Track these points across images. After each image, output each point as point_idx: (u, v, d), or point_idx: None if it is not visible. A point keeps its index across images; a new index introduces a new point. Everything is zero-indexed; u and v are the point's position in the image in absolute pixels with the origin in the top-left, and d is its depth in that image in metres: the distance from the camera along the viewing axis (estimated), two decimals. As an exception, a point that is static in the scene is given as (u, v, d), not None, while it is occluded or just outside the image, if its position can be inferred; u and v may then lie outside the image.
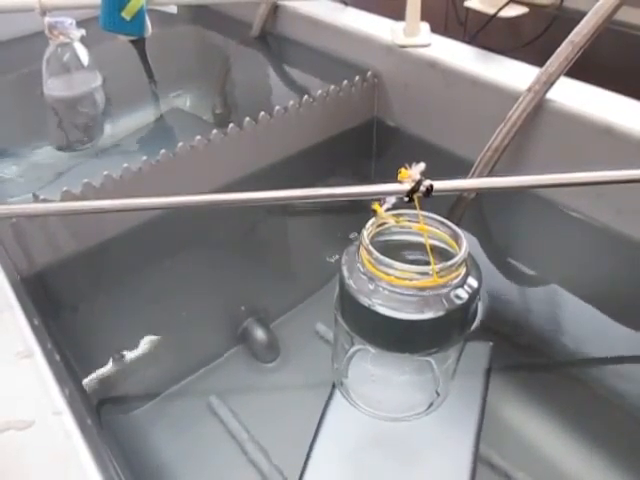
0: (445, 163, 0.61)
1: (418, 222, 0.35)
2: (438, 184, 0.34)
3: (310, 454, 0.37)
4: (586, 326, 0.46)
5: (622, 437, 0.39)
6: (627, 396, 0.41)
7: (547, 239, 0.53)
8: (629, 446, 0.38)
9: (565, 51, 0.48)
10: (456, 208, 0.55)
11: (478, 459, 0.37)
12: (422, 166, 0.33)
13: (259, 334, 0.46)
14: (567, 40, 0.48)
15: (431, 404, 0.38)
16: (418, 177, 0.33)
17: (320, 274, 0.51)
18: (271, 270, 0.53)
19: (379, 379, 0.40)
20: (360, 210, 0.37)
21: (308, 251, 0.56)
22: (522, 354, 0.45)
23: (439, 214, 0.36)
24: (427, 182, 0.33)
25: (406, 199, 0.34)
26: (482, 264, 0.41)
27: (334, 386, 0.41)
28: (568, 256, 0.52)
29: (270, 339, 0.46)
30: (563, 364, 0.44)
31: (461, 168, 0.56)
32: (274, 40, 0.79)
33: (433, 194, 0.33)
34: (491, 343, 0.44)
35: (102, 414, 0.41)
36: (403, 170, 0.33)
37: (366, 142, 0.68)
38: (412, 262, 0.33)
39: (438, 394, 0.39)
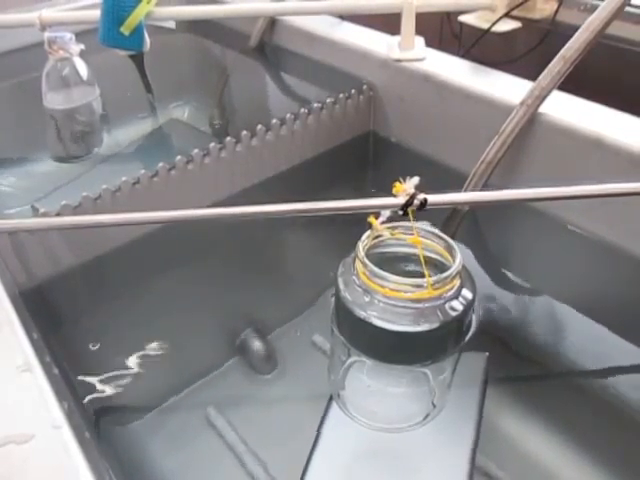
0: (440, 175, 0.61)
1: (413, 235, 0.35)
2: (432, 198, 0.34)
3: (308, 465, 0.37)
4: (581, 337, 0.47)
5: (619, 447, 0.39)
6: (623, 406, 0.41)
7: (541, 251, 0.54)
8: (626, 455, 0.38)
9: (557, 65, 0.48)
10: (451, 220, 0.55)
11: (475, 470, 0.37)
12: (416, 180, 0.34)
13: (257, 346, 0.46)
14: (559, 55, 0.48)
15: (427, 415, 0.39)
16: (412, 191, 0.33)
17: (317, 286, 0.51)
18: (268, 282, 0.53)
19: (375, 391, 0.40)
20: (356, 223, 0.37)
21: (305, 263, 0.56)
22: (518, 365, 0.45)
23: (434, 226, 0.36)
24: (421, 196, 0.33)
25: (400, 212, 0.34)
26: (477, 276, 0.41)
27: (331, 398, 0.41)
28: (562, 268, 0.52)
29: (268, 351, 0.46)
30: (558, 374, 0.45)
31: (456, 180, 0.56)
32: (272, 51, 0.80)
33: (427, 207, 0.34)
34: (487, 354, 0.44)
35: (100, 427, 0.41)
36: (397, 184, 0.34)
37: (362, 155, 0.69)
38: (408, 274, 0.33)
39: (434, 405, 0.39)
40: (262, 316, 0.49)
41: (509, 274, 0.53)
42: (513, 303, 0.50)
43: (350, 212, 0.37)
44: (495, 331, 0.47)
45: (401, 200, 0.33)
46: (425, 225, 0.36)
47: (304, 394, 0.43)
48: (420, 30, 0.63)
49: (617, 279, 0.50)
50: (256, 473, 0.37)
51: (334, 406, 0.40)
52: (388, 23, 0.64)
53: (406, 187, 0.33)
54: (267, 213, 0.37)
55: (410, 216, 0.34)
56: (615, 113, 0.51)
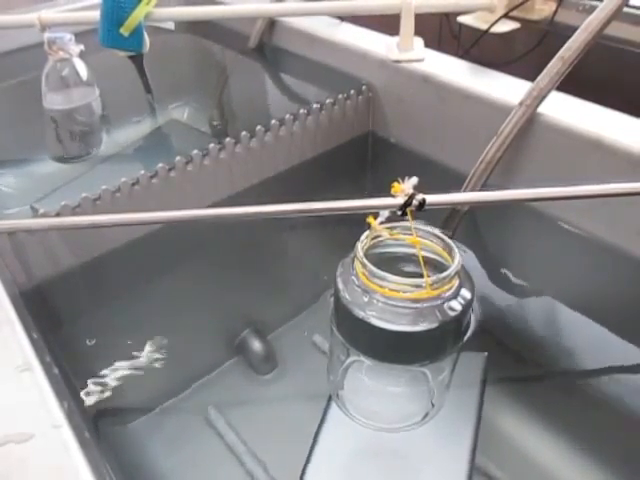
0: (439, 176, 0.61)
1: (411, 235, 0.35)
2: (431, 198, 0.34)
3: (307, 465, 0.37)
4: (579, 336, 0.47)
5: (617, 446, 0.39)
6: (622, 405, 0.41)
7: (540, 251, 0.54)
8: (624, 455, 0.38)
9: (556, 66, 0.48)
10: (450, 220, 0.56)
11: (474, 469, 0.37)
12: (415, 180, 0.34)
13: (256, 346, 0.46)
14: (557, 55, 0.48)
15: (426, 415, 0.39)
16: (411, 191, 0.34)
17: (317, 286, 0.51)
18: (268, 282, 0.54)
19: (375, 390, 0.40)
20: (356, 223, 0.37)
21: (305, 263, 0.56)
22: (517, 365, 0.45)
23: (433, 226, 0.36)
24: (420, 196, 0.34)
25: (399, 213, 0.34)
26: (476, 276, 0.41)
27: (331, 398, 0.41)
28: (561, 267, 0.52)
29: (267, 351, 0.46)
30: (557, 374, 0.45)
31: (455, 181, 0.56)
32: (271, 52, 0.80)
33: (426, 208, 0.34)
34: (486, 354, 0.44)
35: (100, 427, 0.41)
36: (396, 184, 0.34)
37: (362, 155, 0.69)
38: (407, 274, 0.34)
39: (433, 405, 0.39)
40: (262, 316, 0.49)
41: (508, 274, 0.53)
42: (512, 303, 0.51)
43: (349, 212, 0.37)
44: (494, 331, 0.47)
45: (400, 200, 0.34)
46: (424, 225, 0.36)
47: (304, 394, 0.44)
48: (419, 31, 0.63)
49: (616, 279, 0.50)
50: (255, 473, 0.37)
51: (333, 406, 0.40)
52: (387, 24, 0.65)
53: (405, 187, 0.33)
54: (266, 213, 0.37)
55: (409, 216, 0.34)
56: (614, 114, 0.51)
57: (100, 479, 0.25)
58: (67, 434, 0.27)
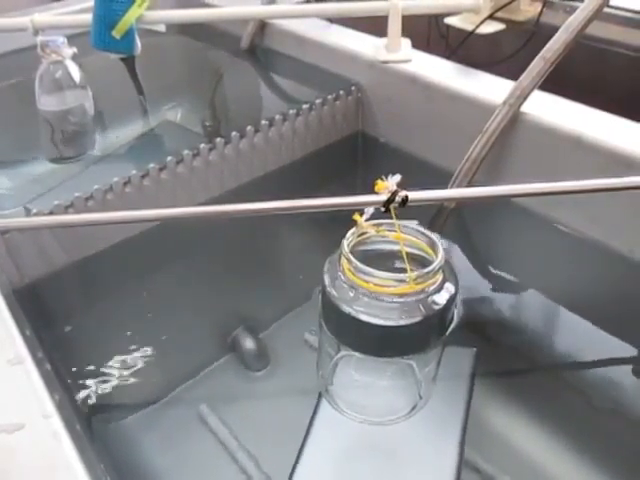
0: (428, 174, 0.62)
1: (396, 231, 0.36)
2: (413, 194, 0.35)
3: (298, 460, 0.38)
4: (566, 331, 0.47)
5: (605, 440, 0.39)
6: (609, 398, 0.42)
7: (525, 246, 0.54)
8: (613, 449, 0.39)
9: (538, 66, 0.49)
10: (437, 218, 0.56)
11: (463, 463, 0.37)
12: (398, 177, 0.35)
13: (249, 343, 0.47)
14: (539, 55, 0.49)
15: (414, 407, 0.39)
16: (394, 188, 0.34)
17: (308, 284, 0.52)
18: (260, 280, 0.54)
19: (363, 384, 0.40)
20: (343, 221, 0.38)
21: (295, 261, 0.57)
22: (505, 360, 0.46)
23: (421, 223, 0.37)
24: (402, 193, 0.34)
25: (382, 209, 0.35)
26: (464, 272, 0.41)
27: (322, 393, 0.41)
28: (546, 263, 0.53)
29: (260, 348, 0.47)
30: (545, 368, 0.45)
31: (443, 179, 0.57)
32: (262, 53, 0.80)
33: (409, 204, 0.35)
34: (475, 349, 0.45)
35: (92, 424, 0.41)
36: (379, 181, 0.34)
37: (352, 155, 0.70)
38: (393, 270, 0.34)
39: (421, 397, 0.39)
40: (254, 314, 0.50)
41: (495, 269, 0.54)
42: (499, 298, 0.51)
43: (333, 209, 0.37)
44: (482, 326, 0.48)
45: (383, 197, 0.34)
46: (411, 222, 0.37)
47: (295, 391, 0.44)
48: (409, 32, 0.64)
49: (600, 274, 0.51)
50: (248, 469, 0.38)
51: (324, 402, 0.41)
52: (376, 26, 0.65)
53: (388, 184, 0.34)
54: (252, 211, 0.38)
55: (392, 213, 0.35)
56: (596, 112, 0.52)
57: (90, 467, 0.26)
58: (57, 424, 0.27)
